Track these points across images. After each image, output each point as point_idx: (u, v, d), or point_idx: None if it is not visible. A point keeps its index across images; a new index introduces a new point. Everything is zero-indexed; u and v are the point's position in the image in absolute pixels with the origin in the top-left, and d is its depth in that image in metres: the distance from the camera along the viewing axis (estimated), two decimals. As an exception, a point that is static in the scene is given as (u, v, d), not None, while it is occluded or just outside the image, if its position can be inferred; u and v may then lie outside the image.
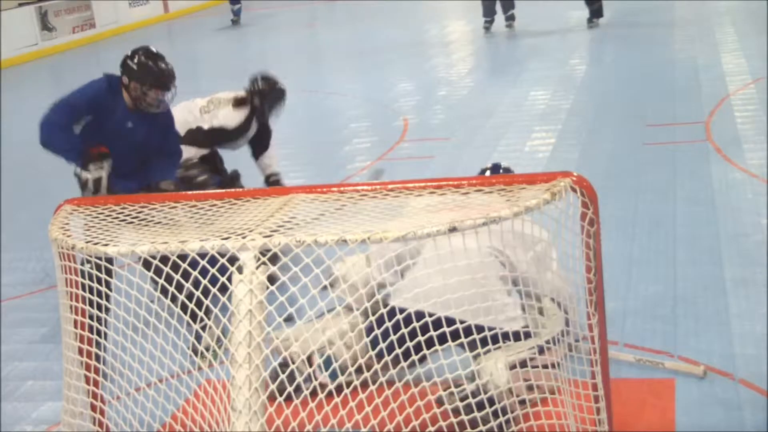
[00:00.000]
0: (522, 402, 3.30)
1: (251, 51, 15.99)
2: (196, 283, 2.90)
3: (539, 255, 3.63)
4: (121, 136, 4.92)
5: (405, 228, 2.72)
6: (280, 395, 2.89)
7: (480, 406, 3.11)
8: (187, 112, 6.15)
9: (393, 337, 3.02)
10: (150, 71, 4.91)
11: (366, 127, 9.42)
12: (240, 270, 2.81)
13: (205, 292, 2.92)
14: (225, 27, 18.21)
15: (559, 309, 3.68)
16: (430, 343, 3.01)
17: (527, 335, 3.63)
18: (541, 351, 3.57)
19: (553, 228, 2.92)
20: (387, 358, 2.97)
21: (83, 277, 3.10)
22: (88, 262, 3.07)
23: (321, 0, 20.32)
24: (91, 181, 4.78)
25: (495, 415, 3.11)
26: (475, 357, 3.50)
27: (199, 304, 2.93)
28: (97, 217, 3.19)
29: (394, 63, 12.75)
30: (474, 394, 3.33)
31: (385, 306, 3.36)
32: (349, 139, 8.93)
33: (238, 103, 6.26)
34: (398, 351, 2.98)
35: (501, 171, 4.39)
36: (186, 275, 2.90)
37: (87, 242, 2.96)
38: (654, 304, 4.81)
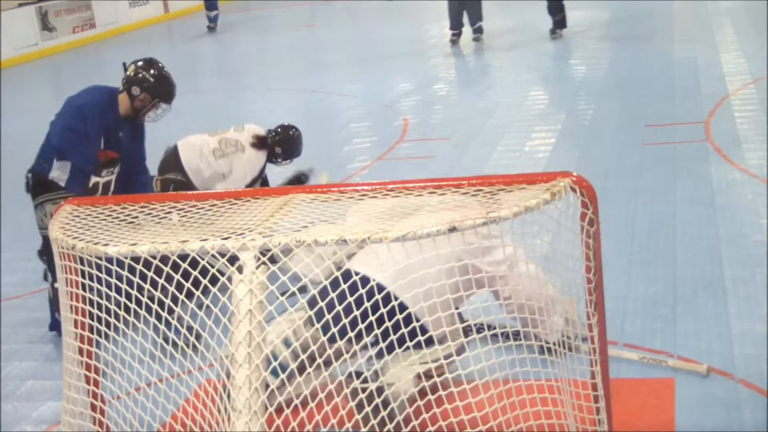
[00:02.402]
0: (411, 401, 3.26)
1: (251, 51, 15.99)
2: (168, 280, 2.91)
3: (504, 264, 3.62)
4: (114, 146, 4.98)
5: (405, 228, 2.72)
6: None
7: (376, 408, 3.09)
8: (198, 155, 5.85)
9: (349, 300, 2.96)
10: (165, 85, 5.03)
11: (366, 127, 9.43)
12: (240, 270, 2.81)
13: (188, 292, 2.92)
14: (225, 27, 18.20)
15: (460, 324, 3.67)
16: (379, 319, 2.97)
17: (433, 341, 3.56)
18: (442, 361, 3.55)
19: (552, 228, 2.92)
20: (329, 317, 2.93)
21: (83, 277, 3.10)
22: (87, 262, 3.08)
23: (320, 0, 20.31)
24: (101, 184, 4.83)
25: (390, 417, 3.10)
26: (380, 354, 3.50)
27: (174, 299, 2.93)
28: (97, 217, 3.19)
29: (394, 63, 12.75)
30: (377, 394, 3.31)
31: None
32: (349, 139, 8.93)
33: (260, 144, 6.00)
34: (340, 311, 2.91)
35: None
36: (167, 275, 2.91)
37: (87, 242, 2.96)
38: (654, 304, 4.81)
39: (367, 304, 2.98)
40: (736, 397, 3.92)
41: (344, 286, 2.96)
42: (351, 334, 2.92)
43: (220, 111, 10.75)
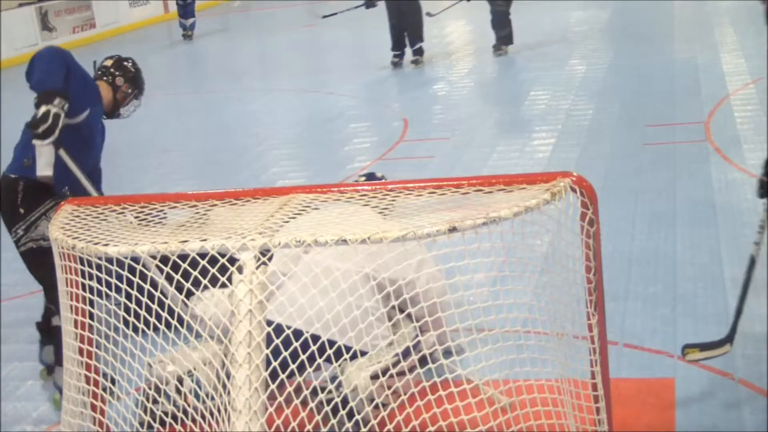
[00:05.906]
0: (384, 406, 3.30)
1: (252, 51, 15.99)
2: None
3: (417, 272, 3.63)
4: (95, 138, 4.95)
5: (405, 228, 2.72)
6: (150, 425, 2.93)
7: (345, 414, 3.17)
8: None
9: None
10: (142, 78, 5.14)
11: (366, 127, 9.42)
12: (240, 270, 2.80)
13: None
14: (225, 27, 18.20)
15: (410, 323, 3.94)
16: (301, 361, 3.04)
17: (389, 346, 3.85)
18: (398, 361, 3.68)
19: (552, 228, 2.92)
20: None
21: (83, 277, 3.10)
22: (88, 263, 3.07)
23: (320, 0, 20.30)
24: (52, 113, 4.51)
25: (353, 421, 3.15)
26: (342, 367, 3.74)
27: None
28: (97, 217, 3.19)
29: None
30: (342, 403, 3.36)
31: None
32: (349, 139, 8.93)
33: None
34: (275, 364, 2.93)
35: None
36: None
37: (87, 242, 2.96)
38: (654, 304, 4.81)
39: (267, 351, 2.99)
40: (736, 397, 3.92)
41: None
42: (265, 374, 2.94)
43: (220, 111, 10.77)
